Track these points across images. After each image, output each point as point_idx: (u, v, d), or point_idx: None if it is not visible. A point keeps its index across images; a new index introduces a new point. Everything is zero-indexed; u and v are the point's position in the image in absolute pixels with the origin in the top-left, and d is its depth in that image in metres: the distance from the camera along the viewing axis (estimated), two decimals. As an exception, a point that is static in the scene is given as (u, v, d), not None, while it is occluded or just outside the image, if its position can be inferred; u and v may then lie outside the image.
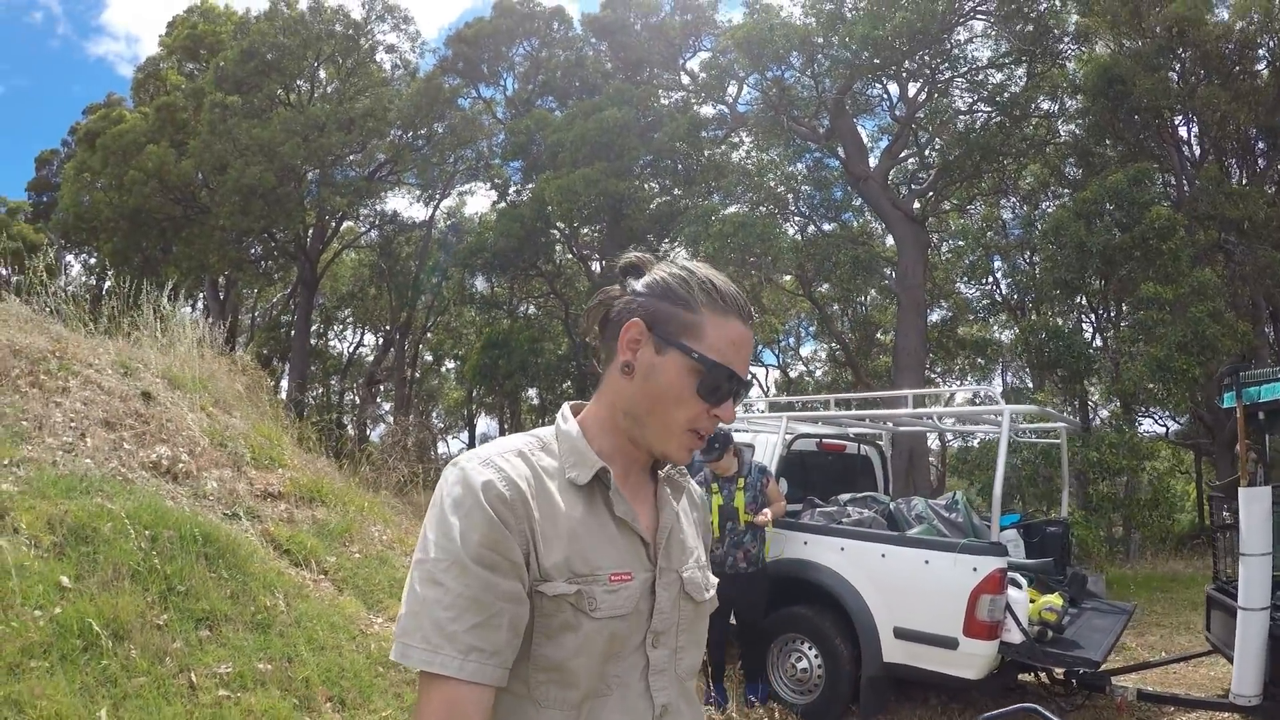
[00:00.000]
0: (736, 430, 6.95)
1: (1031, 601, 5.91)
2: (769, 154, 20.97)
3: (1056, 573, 6.99)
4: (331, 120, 21.70)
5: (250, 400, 8.98)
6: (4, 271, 7.92)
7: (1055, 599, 6.04)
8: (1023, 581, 5.90)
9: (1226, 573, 5.83)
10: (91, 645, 3.49)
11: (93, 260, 29.49)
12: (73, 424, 5.39)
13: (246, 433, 7.07)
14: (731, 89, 20.94)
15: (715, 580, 1.49)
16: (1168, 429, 22.10)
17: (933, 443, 21.77)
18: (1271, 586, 5.10)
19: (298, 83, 24.35)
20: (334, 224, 26.31)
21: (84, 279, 29.76)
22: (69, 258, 30.78)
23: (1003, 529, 7.45)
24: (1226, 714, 5.50)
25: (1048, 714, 2.11)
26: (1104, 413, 21.44)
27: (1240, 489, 5.19)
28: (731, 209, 19.34)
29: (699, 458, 6.10)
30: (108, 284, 24.01)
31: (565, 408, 1.42)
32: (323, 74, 25.12)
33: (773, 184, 19.64)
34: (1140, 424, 20.40)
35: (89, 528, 4.16)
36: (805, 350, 32.06)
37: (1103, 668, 6.35)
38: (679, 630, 1.37)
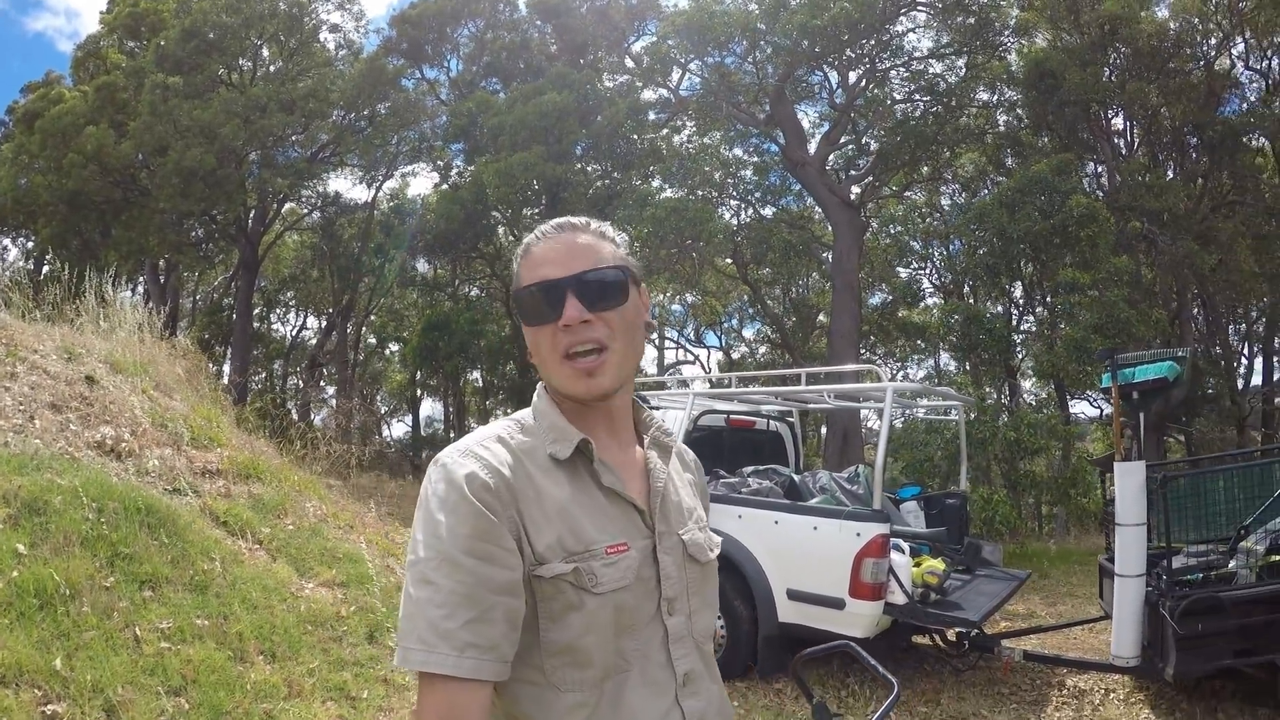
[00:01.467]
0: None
1: (916, 566, 6.30)
2: (709, 139, 21.35)
3: (953, 542, 7.40)
4: (273, 101, 21.54)
5: (190, 384, 9.29)
6: None
7: (938, 563, 6.43)
8: (905, 546, 6.33)
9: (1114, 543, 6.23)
10: (46, 604, 3.89)
11: (30, 244, 28.88)
12: (21, 407, 5.74)
13: (186, 414, 7.43)
14: (674, 74, 21.19)
15: (718, 540, 1.50)
16: (1101, 411, 23.00)
17: (872, 423, 22.46)
18: (1151, 558, 5.51)
19: (240, 62, 24.07)
20: (275, 206, 26.09)
21: (21, 264, 29.21)
22: (5, 242, 30.46)
23: (903, 501, 7.97)
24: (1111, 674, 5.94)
25: (860, 650, 2.32)
26: (1040, 393, 22.23)
27: (1115, 464, 5.56)
28: (669, 193, 19.77)
29: None
30: (46, 268, 23.75)
31: (540, 386, 1.41)
32: (265, 53, 24.82)
33: (709, 169, 20.06)
34: (1079, 407, 21.43)
35: (41, 500, 4.56)
36: (748, 332, 32.65)
37: (1003, 631, 6.91)
38: (689, 593, 1.37)
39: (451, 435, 32.34)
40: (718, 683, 1.42)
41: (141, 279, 27.70)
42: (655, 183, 20.71)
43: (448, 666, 1.13)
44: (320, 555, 6.23)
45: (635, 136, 21.64)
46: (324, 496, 8.18)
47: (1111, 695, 6.12)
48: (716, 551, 1.46)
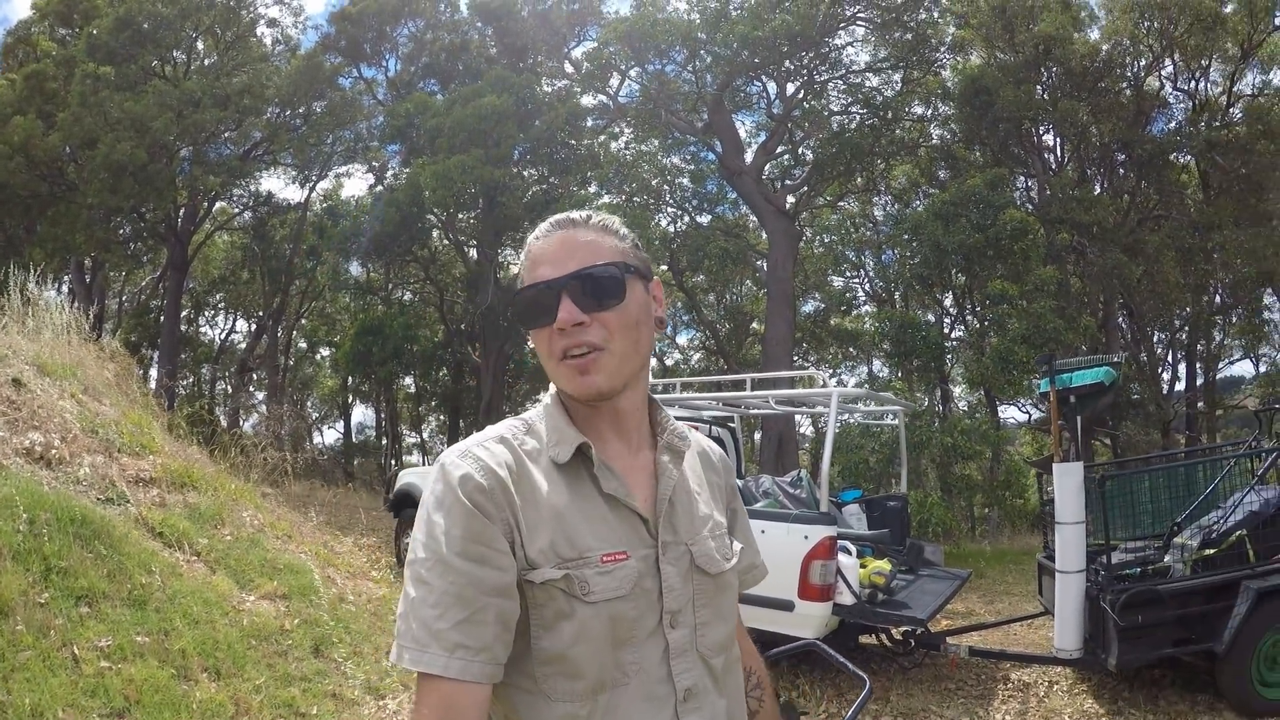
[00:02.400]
0: None
1: (862, 567, 6.41)
2: (647, 146, 21.40)
3: (895, 543, 7.57)
4: (207, 95, 20.94)
5: (120, 388, 9.00)
6: None
7: (884, 564, 6.54)
8: (852, 548, 6.44)
9: (1053, 542, 6.31)
10: (-23, 622, 3.72)
11: None
12: (-56, 412, 5.48)
13: (117, 420, 7.18)
14: (614, 80, 21.23)
15: (738, 547, 1.44)
16: (1030, 415, 23.60)
17: (806, 429, 22.68)
18: (1090, 554, 5.69)
19: (174, 54, 23.37)
20: (206, 204, 25.39)
21: None
22: None
23: (846, 504, 8.12)
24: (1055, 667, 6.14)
25: (828, 649, 2.34)
26: (972, 399, 22.70)
27: (1054, 465, 5.76)
28: (607, 199, 19.79)
29: None
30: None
31: (551, 386, 1.38)
32: (201, 46, 24.20)
33: (648, 175, 20.11)
34: (1008, 412, 21.93)
35: (-34, 512, 4.35)
36: (682, 339, 32.76)
37: (946, 629, 7.03)
38: (696, 606, 1.31)
39: (384, 442, 31.95)
40: (731, 696, 1.37)
41: (67, 278, 26.57)
42: (592, 188, 20.72)
43: (437, 666, 1.13)
44: (260, 566, 6.07)
45: (574, 142, 21.60)
46: (260, 505, 7.97)
47: (1055, 687, 6.27)
48: (733, 562, 1.40)
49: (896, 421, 9.30)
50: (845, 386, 19.56)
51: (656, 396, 7.87)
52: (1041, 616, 7.24)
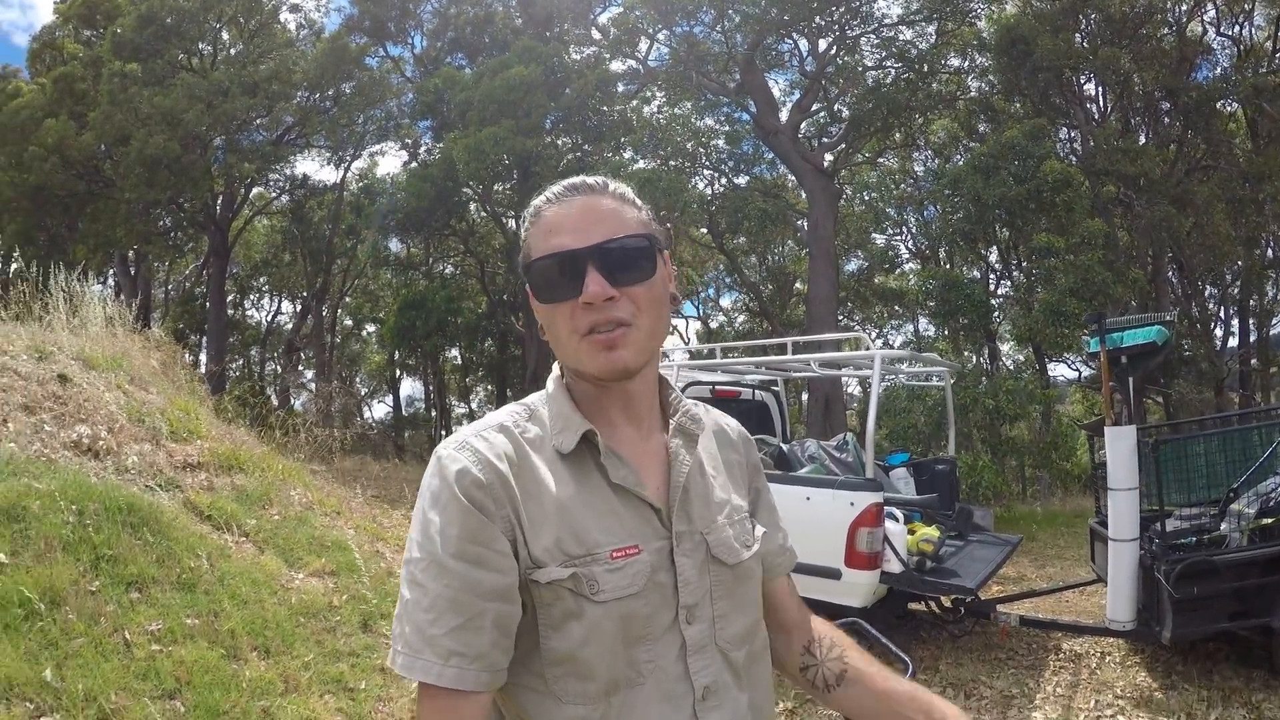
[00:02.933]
0: None
1: (910, 533, 6.25)
2: (680, 109, 21.15)
3: (944, 508, 7.32)
4: (236, 84, 21.16)
5: (166, 376, 9.17)
6: None
7: (932, 531, 6.36)
8: (899, 515, 6.28)
9: (1106, 507, 6.05)
10: (31, 614, 3.81)
11: None
12: (-7, 410, 5.62)
13: (163, 407, 7.31)
14: (642, 44, 21.05)
15: (760, 531, 1.35)
16: (1080, 373, 23.14)
17: (854, 389, 22.51)
18: (1144, 521, 5.44)
19: (200, 46, 23.62)
20: (243, 191, 25.77)
21: None
22: None
23: (893, 468, 7.87)
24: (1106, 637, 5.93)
25: (869, 628, 2.37)
26: (1019, 357, 22.31)
27: (1106, 428, 5.52)
28: (641, 164, 19.65)
29: None
30: (14, 266, 23.31)
31: (555, 368, 1.31)
32: (225, 37, 24.39)
33: (682, 139, 19.93)
34: (1058, 369, 21.53)
35: (19, 507, 4.45)
36: (725, 301, 32.64)
37: (996, 596, 6.89)
38: (714, 598, 1.23)
39: (433, 414, 32.32)
40: (755, 689, 1.29)
41: (111, 271, 27.31)
42: (627, 154, 20.61)
43: (431, 675, 1.07)
44: (308, 544, 6.16)
45: (605, 108, 21.48)
46: (308, 484, 8.09)
47: (1108, 658, 6.13)
48: (755, 548, 1.31)
49: (943, 383, 9.15)
50: (890, 347, 19.41)
51: (701, 361, 7.71)
52: (1094, 584, 7.04)
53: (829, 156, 19.80)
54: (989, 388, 14.49)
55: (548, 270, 1.18)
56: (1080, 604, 7.79)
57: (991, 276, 21.46)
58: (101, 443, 5.98)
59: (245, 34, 24.16)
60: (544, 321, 1.22)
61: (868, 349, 8.24)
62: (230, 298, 30.46)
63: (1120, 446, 5.40)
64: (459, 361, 30.66)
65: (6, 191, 21.72)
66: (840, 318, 21.16)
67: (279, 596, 5.05)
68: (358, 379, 35.74)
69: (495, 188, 22.51)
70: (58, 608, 3.94)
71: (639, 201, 1.27)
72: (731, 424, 1.46)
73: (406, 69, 25.93)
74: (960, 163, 18.28)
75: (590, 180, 1.23)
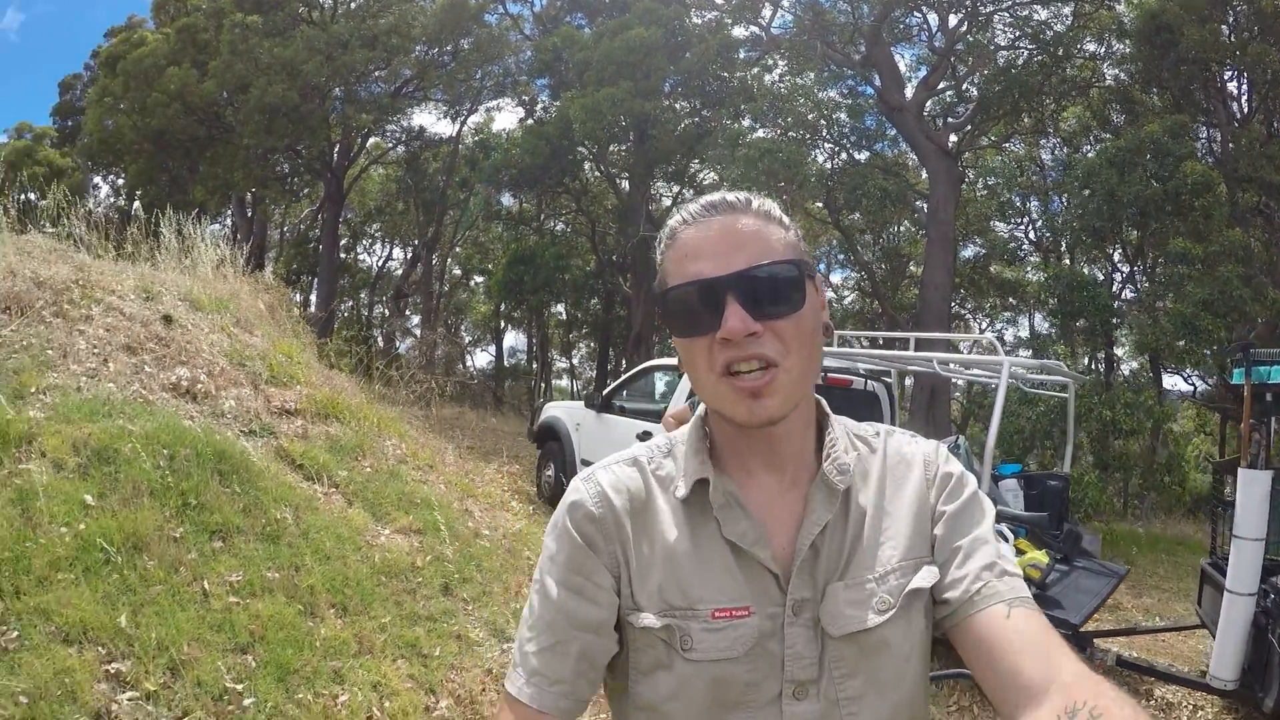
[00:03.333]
0: None
1: (1019, 553, 5.90)
2: (802, 79, 20.37)
3: (1052, 527, 6.86)
4: (355, 37, 21.47)
5: (273, 318, 9.29)
6: (32, 196, 8.23)
7: (1041, 556, 5.98)
8: (1009, 535, 5.94)
9: (1223, 549, 5.65)
10: (112, 558, 3.83)
11: (120, 181, 29.67)
12: (95, 350, 5.70)
13: (266, 351, 7.37)
14: (766, 11, 20.51)
15: (922, 579, 1.11)
16: (1195, 389, 21.66)
17: (958, 378, 21.67)
18: (1263, 572, 4.97)
19: (319, 0, 24.08)
20: (360, 140, 26.22)
21: (112, 200, 30.03)
22: (96, 179, 31.06)
23: (1004, 478, 7.45)
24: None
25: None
26: (1133, 365, 21.09)
27: (1240, 469, 5.04)
28: (761, 133, 19.14)
29: None
30: (136, 204, 24.34)
31: (703, 403, 1.20)
32: None
33: (804, 109, 19.32)
34: (1170, 381, 20.27)
35: (111, 449, 4.49)
36: (836, 278, 31.93)
37: (1091, 628, 6.42)
38: (836, 676, 1.08)
39: (534, 366, 32.66)
40: None
41: (229, 213, 28.36)
42: (746, 122, 20.06)
43: (513, 687, 1.10)
44: (397, 500, 6.10)
45: (725, 74, 21.06)
46: (404, 434, 8.08)
47: (1200, 713, 5.70)
48: (889, 613, 1.09)
49: (1065, 394, 8.48)
50: (1002, 341, 18.43)
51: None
52: (1198, 629, 6.53)
53: (953, 138, 18.88)
54: (1106, 398, 13.61)
55: (683, 301, 1.08)
56: (1178, 646, 7.32)
57: (1115, 279, 20.23)
58: (200, 386, 6.04)
59: (365, -13, 24.38)
60: (681, 355, 1.13)
61: (995, 354, 7.64)
62: (343, 242, 31.19)
63: (1253, 492, 4.94)
64: (564, 317, 30.82)
65: (129, 135, 22.66)
66: (953, 304, 20.33)
67: (362, 553, 5.00)
68: (463, 327, 36.27)
69: (610, 148, 22.42)
70: (139, 553, 3.95)
71: (786, 219, 1.15)
72: (915, 448, 1.23)
73: (525, 27, 25.93)
74: (1091, 154, 17.21)
75: (731, 197, 1.12)
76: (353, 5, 24.32)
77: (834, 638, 1.08)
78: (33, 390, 4.88)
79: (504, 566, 5.90)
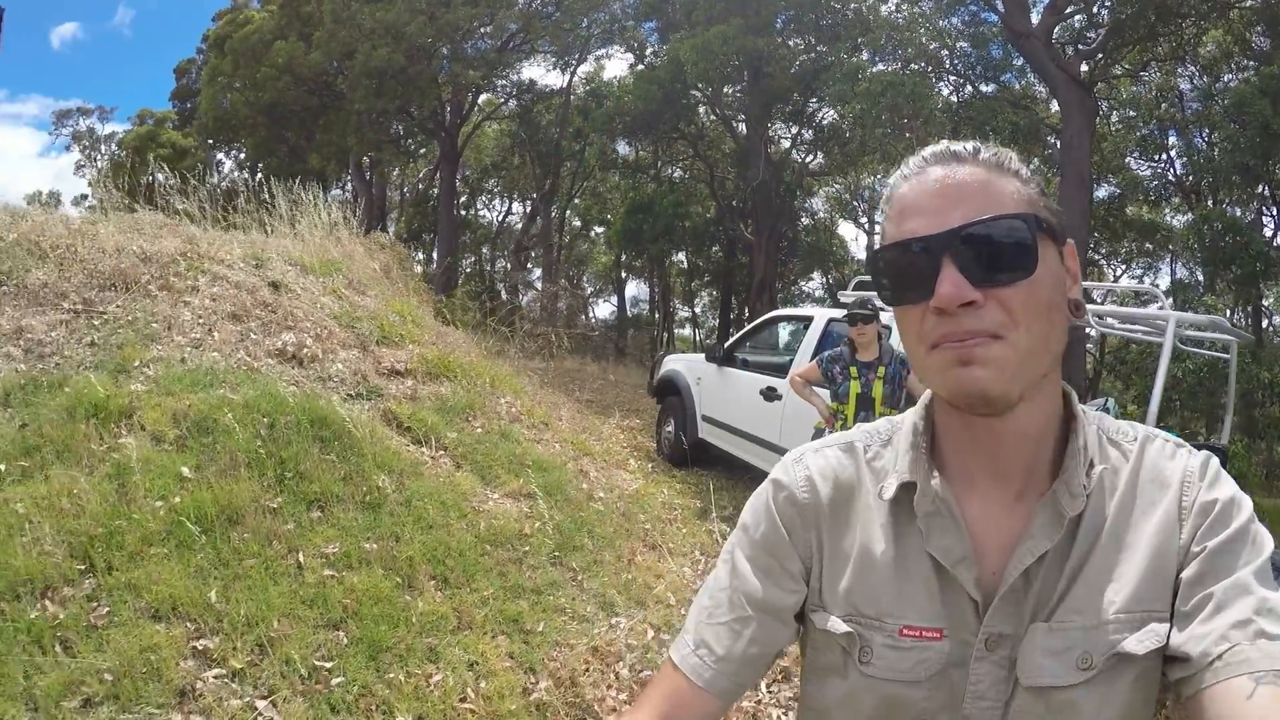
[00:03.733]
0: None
1: None
2: (920, 6, 19.31)
3: None
4: (456, -5, 21.67)
5: (388, 278, 9.29)
6: (160, 176, 8.63)
7: None
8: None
9: None
10: (207, 530, 3.80)
11: (242, 156, 31.31)
12: (200, 320, 5.73)
13: (377, 311, 7.32)
14: (879, -65, 19.44)
15: (1109, 650, 0.90)
16: None
17: (1091, 330, 20.33)
18: None
19: (418, -39, 24.33)
20: (470, 97, 26.45)
21: (235, 173, 31.50)
22: (220, 156, 32.83)
23: None
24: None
25: None
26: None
27: None
28: (880, 67, 18.17)
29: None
30: (258, 176, 25.31)
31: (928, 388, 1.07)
32: None
33: (924, 39, 18.21)
34: None
35: (210, 419, 4.48)
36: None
37: None
38: None
39: (655, 316, 32.60)
40: None
41: (348, 177, 29.20)
42: (864, 55, 19.06)
43: (676, 654, 1.05)
44: (508, 462, 5.91)
45: (837, 5, 20.12)
46: (520, 391, 7.90)
47: None
48: (1092, 672, 0.89)
49: (1221, 353, 7.58)
50: (1162, 292, 16.91)
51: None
52: None
53: (1084, 66, 17.40)
54: (1263, 357, 12.32)
55: (892, 264, 0.93)
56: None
57: (1267, 222, 18.39)
58: (306, 350, 6.01)
59: (464, -55, 24.43)
60: (897, 324, 0.98)
61: (1160, 307, 6.80)
62: (462, 199, 31.69)
63: None
64: (684, 266, 30.59)
65: (243, 110, 24.04)
66: (1088, 248, 18.99)
67: (467, 520, 4.86)
68: (584, 279, 36.46)
69: (725, 90, 21.89)
70: (234, 526, 3.92)
71: (1025, 171, 0.96)
72: (1175, 464, 0.97)
73: None
74: (1233, 83, 15.55)
75: (955, 147, 0.95)
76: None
77: (1023, 686, 0.92)
78: (136, 364, 4.92)
79: (617, 532, 5.64)
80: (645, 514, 6.23)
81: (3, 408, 4.58)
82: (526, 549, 4.85)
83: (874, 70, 17.51)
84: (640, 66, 24.36)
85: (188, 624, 3.35)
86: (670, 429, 9.78)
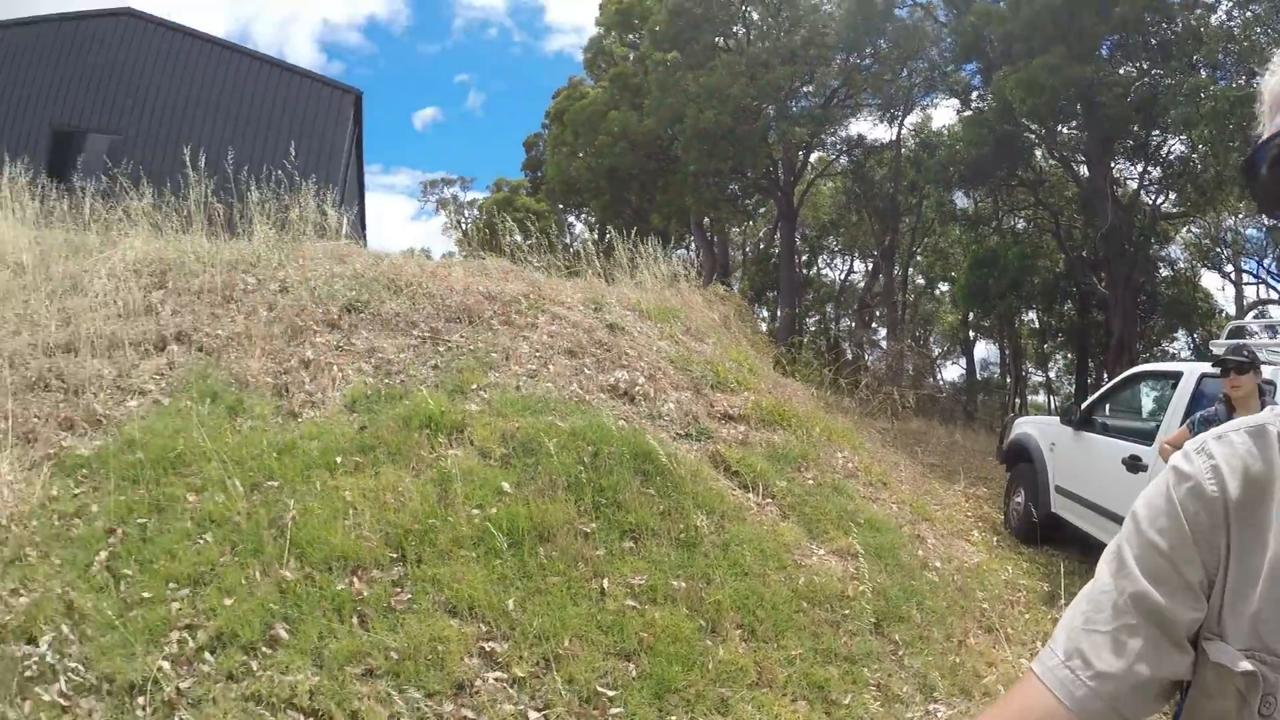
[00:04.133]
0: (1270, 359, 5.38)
1: None
2: (1252, 9, 16.96)
3: None
4: (773, 56, 22.40)
5: (727, 327, 9.35)
6: (519, 237, 9.68)
7: None
8: None
9: None
10: (516, 543, 3.93)
11: (591, 219, 34.56)
12: (537, 354, 6.05)
13: (713, 358, 7.33)
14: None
15: None
16: None
17: None
18: None
19: (733, 29, 25.40)
20: (801, 155, 27.04)
21: (585, 235, 34.78)
22: (570, 219, 36.89)
23: None
24: None
25: None
26: None
27: None
28: (1223, 83, 16.08)
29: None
30: (608, 237, 27.33)
31: None
32: (755, 15, 25.56)
33: (1267, 45, 15.79)
34: None
35: (536, 441, 4.68)
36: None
37: None
38: None
39: (1007, 380, 30.75)
40: None
41: (690, 237, 31.05)
42: (1204, 74, 17.02)
43: (1042, 668, 0.88)
44: (838, 517, 5.55)
45: (1164, 23, 18.23)
46: (858, 446, 7.52)
47: None
48: None
49: None
50: None
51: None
52: None
53: None
54: None
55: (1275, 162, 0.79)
56: None
57: None
58: (638, 388, 6.09)
59: (770, 9, 25.13)
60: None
61: None
62: (803, 257, 32.17)
63: None
64: (1035, 325, 28.65)
65: (586, 176, 26.59)
66: None
67: (786, 573, 4.58)
68: (931, 339, 35.24)
69: (1059, 130, 20.38)
70: (543, 542, 4.04)
71: None
72: None
73: (939, 13, 24.63)
74: None
75: None
76: (765, 27, 25.27)
77: None
78: (473, 387, 5.29)
79: (950, 608, 5.01)
80: (984, 592, 5.55)
81: (348, 411, 5.07)
82: (846, 612, 4.45)
83: (1215, 88, 15.63)
84: (967, 112, 23.38)
85: (480, 625, 3.48)
86: (1020, 499, 8.81)
